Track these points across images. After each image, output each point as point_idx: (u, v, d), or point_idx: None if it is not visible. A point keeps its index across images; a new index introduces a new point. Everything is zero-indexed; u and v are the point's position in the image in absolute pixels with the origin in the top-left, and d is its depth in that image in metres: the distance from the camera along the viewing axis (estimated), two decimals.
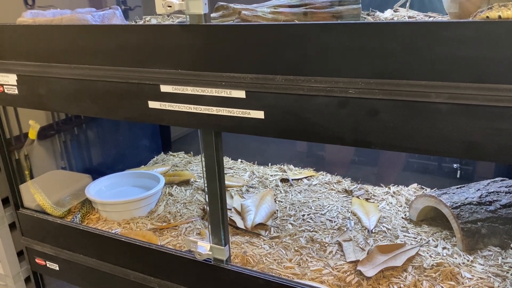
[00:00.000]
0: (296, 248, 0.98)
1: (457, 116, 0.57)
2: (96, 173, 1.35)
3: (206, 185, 0.83)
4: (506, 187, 1.02)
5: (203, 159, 0.81)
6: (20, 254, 1.23)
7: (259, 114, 0.71)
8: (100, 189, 1.27)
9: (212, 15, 0.85)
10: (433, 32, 0.55)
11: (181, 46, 0.73)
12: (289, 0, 0.92)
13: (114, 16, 1.05)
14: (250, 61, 0.68)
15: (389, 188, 1.24)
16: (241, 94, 0.71)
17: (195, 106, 0.76)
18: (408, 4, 0.98)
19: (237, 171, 1.41)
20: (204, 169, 0.82)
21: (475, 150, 0.58)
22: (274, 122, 0.70)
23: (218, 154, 0.80)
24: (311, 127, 0.67)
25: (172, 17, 1.08)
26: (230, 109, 0.73)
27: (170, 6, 0.70)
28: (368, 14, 0.95)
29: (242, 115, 0.72)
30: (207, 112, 0.75)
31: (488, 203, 0.97)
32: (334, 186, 1.27)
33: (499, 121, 0.55)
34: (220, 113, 0.74)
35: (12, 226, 1.20)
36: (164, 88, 0.77)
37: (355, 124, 0.64)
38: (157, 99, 0.79)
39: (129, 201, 1.16)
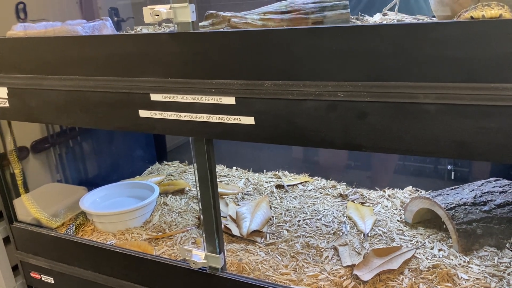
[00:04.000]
0: (292, 254, 0.97)
1: (446, 116, 0.57)
2: (92, 185, 1.34)
3: (199, 192, 0.83)
4: (500, 186, 1.03)
5: (195, 166, 0.81)
6: (15, 268, 1.21)
7: (250, 120, 0.71)
8: (94, 201, 1.26)
9: (203, 23, 0.85)
10: (419, 33, 0.56)
11: (170, 54, 0.73)
12: (278, 6, 0.92)
13: (104, 27, 1.06)
14: (239, 67, 0.69)
15: (384, 191, 1.24)
16: (231, 100, 0.71)
17: (186, 114, 0.76)
18: (396, 8, 0.99)
19: (232, 179, 1.40)
20: (196, 176, 0.82)
21: (465, 149, 0.58)
22: (265, 127, 0.70)
23: (210, 161, 0.80)
24: (302, 132, 0.67)
25: (163, 27, 1.08)
26: (221, 116, 0.73)
27: (158, 15, 0.70)
28: (357, 19, 0.95)
29: (232, 122, 0.72)
30: (197, 119, 0.75)
31: (482, 203, 0.97)
32: (329, 191, 1.26)
33: (488, 120, 0.55)
34: (210, 120, 0.74)
35: (6, 240, 1.19)
36: (154, 97, 0.77)
37: (344, 127, 0.64)
38: (147, 108, 0.79)
39: (123, 212, 1.16)
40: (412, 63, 0.57)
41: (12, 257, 1.19)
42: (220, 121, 0.73)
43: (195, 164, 0.81)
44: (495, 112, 0.55)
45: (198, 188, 0.83)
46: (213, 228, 0.83)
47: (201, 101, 0.73)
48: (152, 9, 0.71)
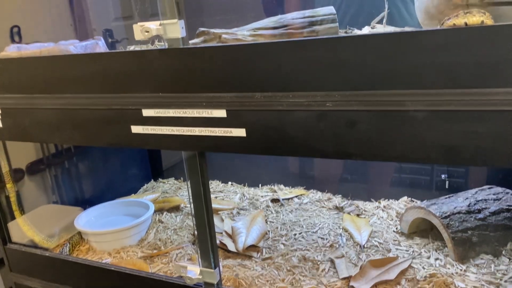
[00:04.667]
0: (288, 268, 0.97)
1: (433, 122, 0.58)
2: (88, 204, 1.34)
3: (192, 207, 0.83)
4: (494, 194, 1.03)
5: (188, 181, 0.81)
6: None
7: (241, 132, 0.71)
8: (89, 220, 1.25)
9: (194, 40, 0.86)
10: (403, 42, 0.57)
11: (161, 70, 0.74)
12: (267, 22, 0.94)
13: (96, 46, 1.07)
14: (229, 81, 0.69)
15: (380, 202, 1.24)
16: (222, 113, 0.71)
17: (178, 128, 0.76)
18: (385, 21, 1.01)
19: (228, 194, 1.40)
20: (189, 192, 0.82)
21: (454, 154, 0.58)
22: (256, 139, 0.70)
23: (204, 175, 0.80)
24: (293, 142, 0.67)
25: (156, 45, 1.10)
26: (212, 129, 0.73)
27: (148, 32, 0.71)
28: (345, 32, 0.97)
29: (224, 134, 0.72)
30: (189, 133, 0.75)
31: (477, 211, 0.98)
32: (324, 204, 1.26)
33: (475, 124, 0.56)
34: (202, 133, 0.74)
35: (0, 262, 1.18)
36: (146, 112, 0.78)
37: (334, 136, 0.64)
38: (139, 123, 0.79)
39: (118, 230, 1.15)
40: (399, 71, 0.58)
41: (7, 280, 1.18)
42: (212, 134, 0.74)
43: (188, 179, 0.81)
44: (482, 116, 0.55)
45: (191, 202, 0.82)
46: (207, 242, 0.83)
47: (192, 115, 0.74)
48: (142, 26, 0.72)
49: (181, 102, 0.74)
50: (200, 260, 0.85)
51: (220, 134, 0.73)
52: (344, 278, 0.91)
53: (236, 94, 0.69)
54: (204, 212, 0.81)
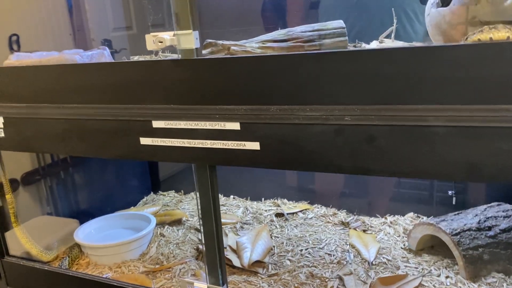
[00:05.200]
0: (296, 285, 0.94)
1: (456, 139, 0.57)
2: (84, 217, 1.31)
3: (201, 222, 0.80)
4: (503, 211, 1.02)
5: (198, 195, 0.79)
6: None
7: (255, 146, 0.69)
8: (89, 233, 1.22)
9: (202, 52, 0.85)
10: (427, 56, 0.56)
11: (173, 81, 0.73)
12: (276, 35, 0.93)
13: (102, 56, 1.05)
14: (243, 93, 0.68)
15: (386, 218, 1.22)
16: (235, 126, 0.70)
17: (189, 140, 0.74)
18: (393, 35, 1.00)
19: (230, 208, 1.38)
20: (199, 206, 0.80)
21: (476, 171, 0.57)
22: (270, 152, 0.69)
23: (214, 189, 0.78)
24: (308, 156, 0.66)
25: (159, 56, 1.08)
26: (225, 142, 0.72)
27: (162, 42, 0.70)
28: (354, 46, 0.96)
29: (237, 147, 0.71)
30: (201, 146, 0.74)
31: (487, 228, 0.96)
32: (330, 219, 1.24)
33: (499, 141, 0.55)
34: (214, 146, 0.73)
35: None
36: (156, 124, 0.76)
37: (352, 152, 0.63)
38: (149, 135, 0.78)
39: (119, 244, 1.12)
40: (421, 86, 0.57)
41: None
42: (224, 147, 0.72)
43: (198, 192, 0.79)
44: (506, 133, 0.54)
45: (200, 217, 0.80)
46: (216, 257, 0.81)
47: (204, 127, 0.72)
48: (156, 36, 0.71)
49: (193, 114, 0.73)
50: (207, 276, 0.83)
51: (233, 147, 0.71)
52: None
53: (250, 106, 0.68)
54: (213, 227, 0.79)
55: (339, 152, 0.64)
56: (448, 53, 0.55)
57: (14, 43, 1.31)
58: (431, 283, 0.91)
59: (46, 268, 1.04)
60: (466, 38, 0.56)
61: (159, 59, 0.92)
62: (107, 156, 0.84)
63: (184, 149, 0.75)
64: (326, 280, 0.96)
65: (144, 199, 1.55)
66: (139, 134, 0.78)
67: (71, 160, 1.43)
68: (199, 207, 0.80)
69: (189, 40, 0.70)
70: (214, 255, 0.81)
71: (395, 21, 1.00)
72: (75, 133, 0.85)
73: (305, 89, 0.64)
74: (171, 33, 0.70)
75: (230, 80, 0.68)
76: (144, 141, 0.78)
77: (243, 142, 0.70)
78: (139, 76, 0.75)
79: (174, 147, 0.76)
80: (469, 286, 0.89)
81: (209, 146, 0.73)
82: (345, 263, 1.01)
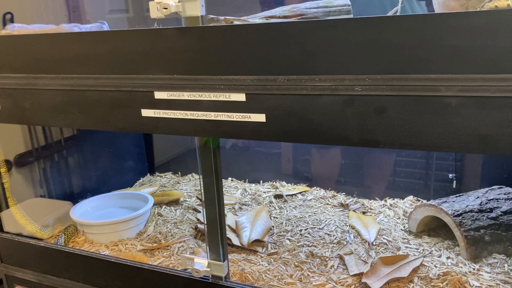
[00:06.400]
0: (296, 264, 0.94)
1: (469, 109, 0.56)
2: (78, 199, 1.29)
3: (203, 196, 0.79)
4: (504, 194, 1.01)
5: (200, 167, 0.78)
6: None
7: (260, 117, 0.68)
8: (85, 211, 1.21)
9: None
10: (441, 24, 0.54)
11: (176, 50, 0.70)
12: (280, 11, 0.91)
13: (101, 30, 1.03)
14: (250, 63, 0.66)
15: (386, 200, 1.22)
16: (241, 97, 0.68)
17: (192, 112, 0.73)
18: (398, 13, 0.99)
19: (228, 189, 1.36)
20: (201, 180, 0.78)
21: (489, 143, 0.56)
22: (276, 124, 0.67)
23: (216, 162, 0.76)
24: (316, 128, 0.64)
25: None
26: (230, 114, 0.70)
27: (166, 8, 0.68)
28: None
29: (242, 119, 0.69)
30: (204, 118, 0.72)
31: (489, 210, 0.96)
32: (329, 201, 1.24)
33: None
34: (218, 118, 0.71)
35: None
36: (159, 95, 0.74)
37: (361, 123, 0.62)
38: (151, 107, 0.76)
39: (116, 222, 1.11)
40: (434, 55, 0.55)
41: None
42: (228, 119, 0.70)
43: (200, 167, 0.78)
44: None
45: (202, 191, 0.79)
46: (217, 233, 0.79)
47: (208, 98, 0.70)
48: (160, 2, 0.69)
49: (197, 85, 0.71)
50: (208, 252, 0.82)
51: (238, 119, 0.70)
52: (354, 275, 0.88)
53: (257, 77, 0.66)
54: (215, 202, 0.78)
55: (348, 124, 0.62)
56: (463, 21, 0.53)
57: (8, 22, 1.28)
58: (432, 263, 0.91)
59: (42, 245, 1.02)
60: (483, 6, 0.54)
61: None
62: (108, 128, 0.82)
63: (187, 121, 0.73)
64: (327, 259, 0.95)
65: (141, 180, 1.53)
66: (140, 106, 0.76)
67: (65, 142, 1.40)
68: (201, 183, 0.78)
69: (194, 7, 0.68)
70: (215, 231, 0.80)
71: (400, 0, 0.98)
72: (74, 104, 0.83)
73: (315, 59, 0.62)
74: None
75: (237, 49, 0.66)
76: (146, 112, 0.76)
77: (248, 114, 0.69)
78: (142, 45, 0.73)
79: (176, 119, 0.74)
80: (470, 266, 0.89)
81: (213, 118, 0.71)
82: (345, 243, 1.01)
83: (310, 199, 1.25)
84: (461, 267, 0.89)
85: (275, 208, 1.21)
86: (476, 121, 0.56)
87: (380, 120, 0.60)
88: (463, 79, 0.55)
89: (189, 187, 1.42)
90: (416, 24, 0.55)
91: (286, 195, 1.27)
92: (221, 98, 0.70)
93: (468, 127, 0.56)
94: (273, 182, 1.40)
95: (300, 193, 1.30)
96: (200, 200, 1.29)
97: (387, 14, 1.00)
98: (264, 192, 1.32)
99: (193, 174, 1.53)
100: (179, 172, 1.55)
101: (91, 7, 1.54)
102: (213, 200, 0.78)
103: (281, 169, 1.45)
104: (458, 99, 0.56)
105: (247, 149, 1.50)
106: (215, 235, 0.80)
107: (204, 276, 0.83)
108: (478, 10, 0.55)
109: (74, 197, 1.34)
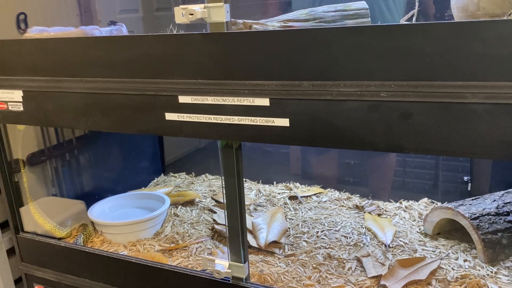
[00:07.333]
0: (314, 265, 0.95)
1: (494, 116, 0.56)
2: (91, 198, 1.30)
3: (224, 198, 0.80)
4: None
5: (222, 171, 0.79)
6: (18, 281, 1.16)
7: (284, 122, 0.69)
8: (103, 211, 1.22)
9: None
10: (468, 31, 0.55)
11: (201, 55, 0.72)
12: (298, 15, 0.92)
13: (121, 33, 1.04)
14: (274, 68, 0.67)
15: (401, 203, 1.22)
16: (264, 102, 0.69)
17: (216, 116, 0.74)
18: (414, 18, 0.99)
19: None
20: (223, 182, 0.79)
21: None
22: (300, 129, 0.68)
23: (239, 165, 0.78)
24: (340, 133, 0.65)
25: None
26: (253, 118, 0.71)
27: (192, 14, 0.69)
28: None
29: (265, 124, 0.70)
30: (228, 122, 0.73)
31: (505, 213, 0.96)
32: (344, 203, 1.24)
33: None
34: (242, 122, 0.72)
35: (10, 252, 1.14)
36: (183, 99, 0.75)
37: (387, 129, 0.62)
38: (174, 111, 0.77)
39: (135, 222, 1.12)
40: (461, 62, 0.56)
41: (15, 270, 1.14)
42: (252, 123, 0.71)
43: (223, 170, 0.79)
44: None
45: (224, 193, 0.80)
46: (239, 235, 0.81)
47: (232, 103, 0.71)
48: (185, 8, 0.70)
49: (221, 89, 0.72)
50: (229, 253, 0.83)
51: (261, 124, 0.71)
52: (372, 277, 0.89)
53: (281, 82, 0.67)
54: (237, 205, 0.79)
55: (373, 129, 0.63)
56: (490, 29, 0.54)
57: (22, 22, 1.29)
58: (449, 266, 0.91)
59: (62, 245, 1.04)
60: (510, 14, 0.55)
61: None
62: (131, 132, 0.83)
63: (211, 125, 0.75)
64: (344, 261, 0.96)
65: (155, 181, 1.55)
66: (164, 109, 0.77)
67: (77, 141, 1.41)
68: (223, 185, 0.79)
69: (220, 13, 0.69)
70: (237, 233, 0.81)
71: (417, 3, 0.99)
72: (97, 107, 0.84)
73: (340, 65, 0.63)
74: (202, 5, 0.69)
75: (261, 54, 0.67)
76: (170, 116, 0.77)
77: (272, 119, 0.70)
78: (167, 50, 0.74)
79: (200, 123, 0.75)
80: (488, 269, 0.89)
81: (236, 122, 0.72)
82: (362, 245, 1.02)
83: (325, 201, 1.26)
84: (479, 270, 0.89)
85: (290, 209, 1.22)
86: (501, 128, 0.56)
87: (405, 126, 0.61)
88: (490, 86, 0.55)
89: (203, 187, 1.43)
90: (443, 31, 0.56)
91: (301, 197, 1.28)
92: (245, 103, 0.71)
93: (493, 134, 0.57)
94: (286, 183, 1.41)
95: (314, 194, 1.30)
96: (216, 201, 1.30)
97: (403, 18, 1.01)
98: (278, 193, 1.33)
99: (207, 174, 1.54)
100: (193, 172, 1.57)
101: (102, 7, 1.55)
102: (234, 202, 0.80)
103: (294, 170, 1.45)
104: (484, 106, 0.56)
105: (254, 149, 1.50)
106: (236, 236, 0.81)
107: (225, 277, 0.84)
108: (505, 18, 0.56)
109: (87, 197, 1.35)
